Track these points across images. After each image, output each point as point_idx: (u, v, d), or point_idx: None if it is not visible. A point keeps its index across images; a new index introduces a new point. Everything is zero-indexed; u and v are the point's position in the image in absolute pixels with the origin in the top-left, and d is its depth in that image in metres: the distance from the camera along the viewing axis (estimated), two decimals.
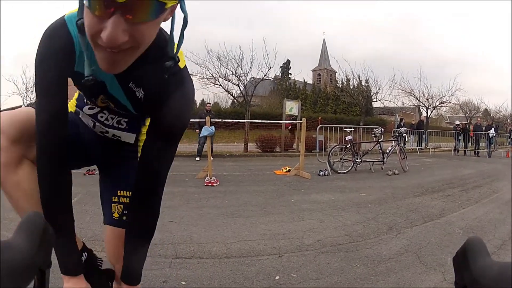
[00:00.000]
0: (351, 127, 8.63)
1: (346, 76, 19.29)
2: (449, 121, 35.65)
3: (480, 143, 15.92)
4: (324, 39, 53.33)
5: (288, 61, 45.17)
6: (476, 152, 15.22)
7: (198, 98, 20.05)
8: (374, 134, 8.73)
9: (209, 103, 12.01)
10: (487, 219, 4.08)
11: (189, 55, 12.60)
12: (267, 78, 13.85)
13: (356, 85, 18.44)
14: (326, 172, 7.32)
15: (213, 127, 7.57)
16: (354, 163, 7.88)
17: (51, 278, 0.49)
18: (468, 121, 23.15)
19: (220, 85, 12.98)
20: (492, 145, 15.83)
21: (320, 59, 49.64)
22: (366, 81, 18.43)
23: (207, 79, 12.81)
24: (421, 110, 21.37)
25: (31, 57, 1.07)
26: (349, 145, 7.94)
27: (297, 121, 11.08)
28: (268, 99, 38.93)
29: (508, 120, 27.57)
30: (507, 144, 18.46)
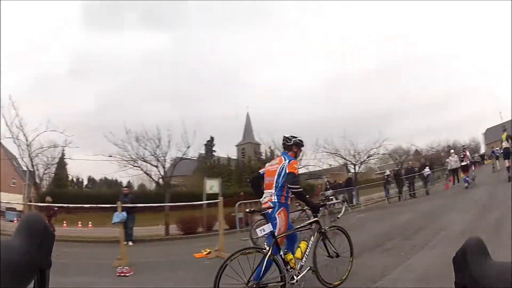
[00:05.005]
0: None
1: (270, 147, 20.10)
2: (378, 172, 36.15)
3: (415, 184, 16.33)
4: (247, 113, 56.32)
5: (212, 138, 46.40)
6: (412, 194, 15.63)
7: (124, 180, 19.14)
8: (297, 202, 9.06)
9: (126, 187, 11.58)
10: (441, 263, 3.38)
11: (109, 136, 12.36)
12: (189, 157, 13.97)
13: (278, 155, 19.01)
14: None
15: (124, 213, 7.11)
16: None
17: (51, 278, 0.49)
18: (400, 166, 22.69)
19: (139, 166, 12.67)
20: (428, 183, 16.47)
21: (244, 133, 51.95)
22: None
23: (125, 160, 12.45)
24: (349, 167, 21.00)
25: None
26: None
27: (218, 200, 11.15)
28: (192, 178, 38.50)
29: (443, 154, 26.32)
30: (443, 177, 18.86)
